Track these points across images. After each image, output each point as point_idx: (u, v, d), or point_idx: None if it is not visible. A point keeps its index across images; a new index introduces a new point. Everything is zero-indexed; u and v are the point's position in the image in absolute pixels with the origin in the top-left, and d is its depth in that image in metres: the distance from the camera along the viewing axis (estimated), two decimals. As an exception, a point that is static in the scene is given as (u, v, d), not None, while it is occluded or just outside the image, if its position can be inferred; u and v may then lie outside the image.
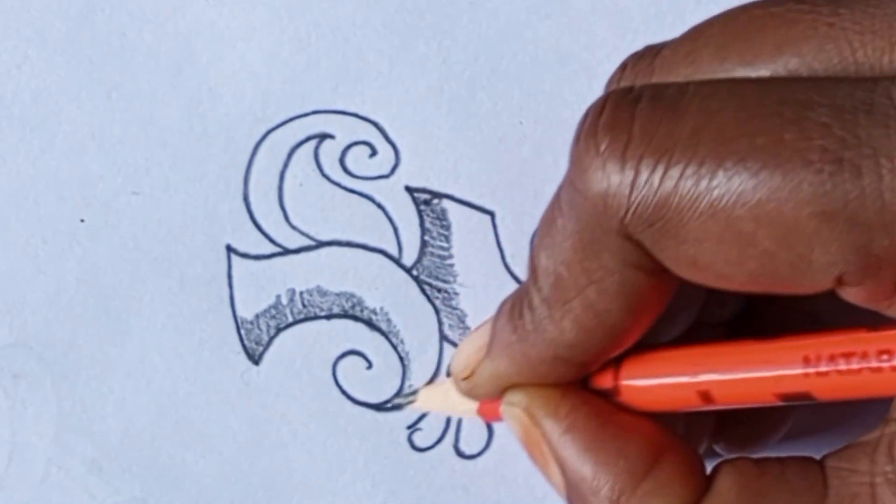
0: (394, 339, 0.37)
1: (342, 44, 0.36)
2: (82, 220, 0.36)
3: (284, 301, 0.37)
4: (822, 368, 0.26)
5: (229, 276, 0.36)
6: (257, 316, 0.37)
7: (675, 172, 0.26)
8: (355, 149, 0.36)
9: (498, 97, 0.36)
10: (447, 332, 0.37)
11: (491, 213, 0.37)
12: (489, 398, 0.31)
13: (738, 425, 0.34)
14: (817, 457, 0.28)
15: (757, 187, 0.25)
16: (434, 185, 0.37)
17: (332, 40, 0.36)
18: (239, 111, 0.36)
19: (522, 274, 0.36)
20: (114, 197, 0.36)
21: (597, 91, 0.32)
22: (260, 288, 0.36)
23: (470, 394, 0.32)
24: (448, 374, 0.36)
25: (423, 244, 0.37)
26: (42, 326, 0.37)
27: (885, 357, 0.25)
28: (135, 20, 0.36)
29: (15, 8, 0.36)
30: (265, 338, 0.37)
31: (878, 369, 0.26)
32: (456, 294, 0.36)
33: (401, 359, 0.37)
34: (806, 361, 0.26)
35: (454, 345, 0.37)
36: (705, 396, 0.28)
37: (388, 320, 0.37)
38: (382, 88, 0.36)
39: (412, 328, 0.37)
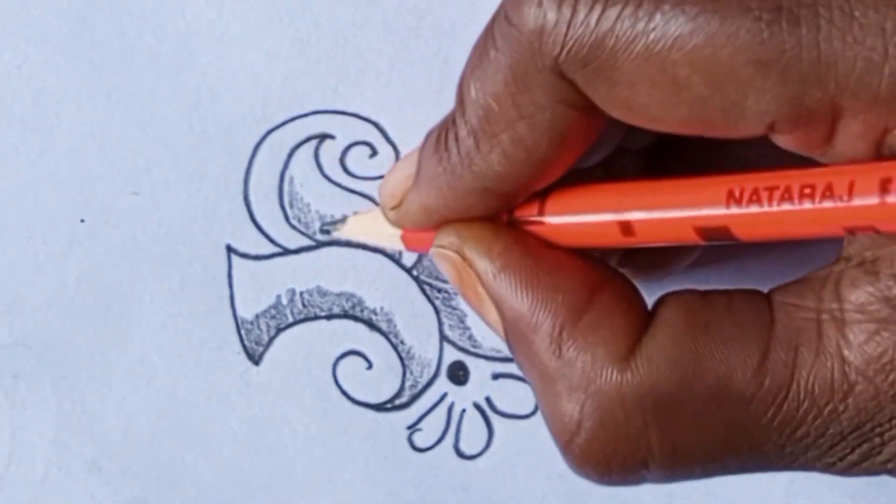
0: (394, 339, 0.37)
1: (342, 44, 0.36)
2: (82, 220, 0.36)
3: (284, 301, 0.37)
4: (745, 207, 0.26)
5: (229, 276, 0.36)
6: (257, 316, 0.37)
7: (612, 13, 0.25)
8: (355, 149, 0.36)
9: (498, 97, 0.36)
10: (447, 332, 0.37)
11: (491, 213, 0.37)
12: (418, 228, 0.31)
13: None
14: (765, 290, 0.28)
15: (694, 32, 0.25)
16: (434, 185, 0.37)
17: (332, 40, 0.36)
18: (239, 111, 0.36)
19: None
20: (114, 197, 0.36)
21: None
22: (260, 288, 0.36)
23: (398, 223, 0.32)
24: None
25: (423, 244, 0.37)
26: (42, 326, 0.37)
27: (807, 191, 0.25)
28: (135, 20, 0.36)
29: (15, 8, 0.36)
30: (265, 338, 0.37)
31: (799, 212, 0.25)
32: (456, 294, 0.36)
33: (401, 359, 0.37)
34: (730, 195, 0.26)
35: (454, 345, 0.37)
36: (627, 230, 0.28)
37: (389, 320, 0.37)
38: (382, 88, 0.36)
39: (412, 328, 0.37)
